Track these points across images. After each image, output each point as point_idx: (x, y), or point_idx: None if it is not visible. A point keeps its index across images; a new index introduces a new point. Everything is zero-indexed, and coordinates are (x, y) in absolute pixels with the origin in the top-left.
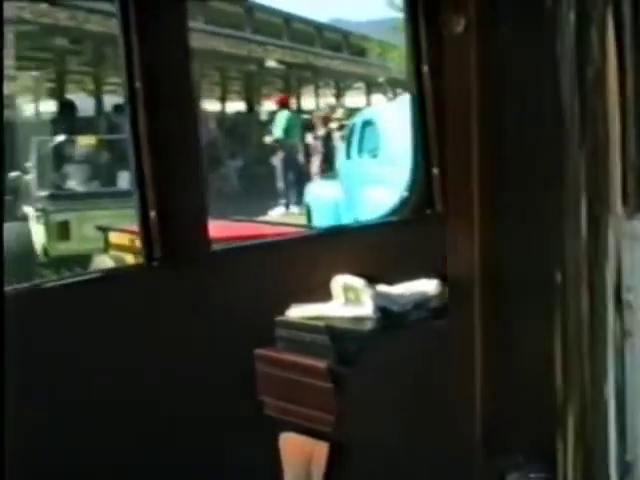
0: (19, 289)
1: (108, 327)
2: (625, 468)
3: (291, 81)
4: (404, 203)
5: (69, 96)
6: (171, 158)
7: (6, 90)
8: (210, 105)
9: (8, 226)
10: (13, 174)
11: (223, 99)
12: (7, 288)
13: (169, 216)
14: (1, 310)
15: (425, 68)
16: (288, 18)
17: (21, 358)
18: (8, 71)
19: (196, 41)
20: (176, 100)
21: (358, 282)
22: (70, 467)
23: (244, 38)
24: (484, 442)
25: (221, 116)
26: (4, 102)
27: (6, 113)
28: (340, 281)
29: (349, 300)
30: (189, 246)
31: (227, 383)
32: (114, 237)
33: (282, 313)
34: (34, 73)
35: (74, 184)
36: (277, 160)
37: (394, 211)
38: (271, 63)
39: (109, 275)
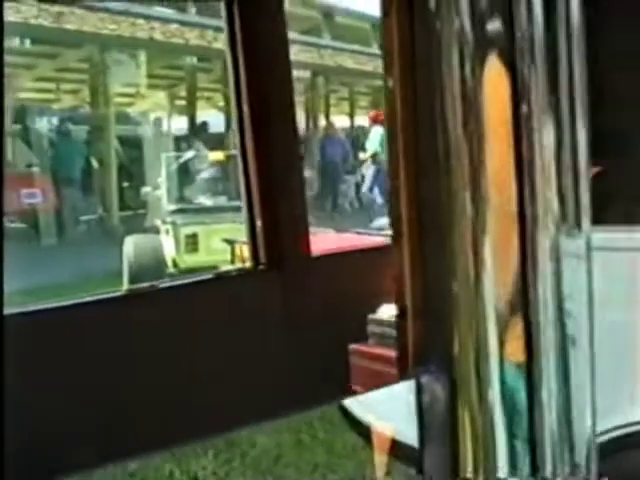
0: (139, 288)
1: (216, 322)
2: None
3: None
4: None
5: (200, 113)
6: (275, 173)
7: (137, 108)
8: (339, 121)
9: (140, 238)
10: (145, 189)
11: (351, 114)
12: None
13: (273, 225)
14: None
15: None
16: None
17: (139, 347)
18: (140, 89)
19: (323, 57)
20: (278, 121)
21: None
22: None
23: (370, 54)
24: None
25: (349, 131)
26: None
27: (139, 130)
28: None
29: None
30: (291, 252)
31: (324, 374)
32: (239, 249)
33: (374, 312)
34: (165, 91)
35: (203, 198)
36: (368, 174)
37: None
38: None
39: (219, 277)
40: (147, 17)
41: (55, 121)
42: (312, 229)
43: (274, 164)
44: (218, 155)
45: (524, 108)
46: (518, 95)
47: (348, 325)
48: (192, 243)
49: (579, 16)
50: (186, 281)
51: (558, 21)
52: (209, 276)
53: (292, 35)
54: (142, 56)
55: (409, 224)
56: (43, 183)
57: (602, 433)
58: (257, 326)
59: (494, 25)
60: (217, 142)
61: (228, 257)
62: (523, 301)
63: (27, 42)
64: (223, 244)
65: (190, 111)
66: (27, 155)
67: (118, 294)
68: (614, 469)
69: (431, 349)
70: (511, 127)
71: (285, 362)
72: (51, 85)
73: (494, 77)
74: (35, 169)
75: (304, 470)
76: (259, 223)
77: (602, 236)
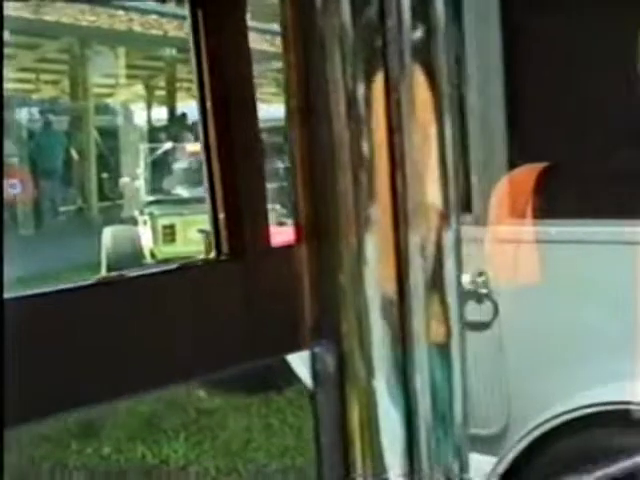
0: (107, 277)
1: (182, 308)
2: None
3: None
4: None
5: (180, 104)
6: (235, 167)
7: (116, 99)
8: None
9: (118, 229)
10: (124, 180)
11: None
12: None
13: (234, 217)
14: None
15: None
16: None
17: (107, 334)
18: (120, 80)
19: None
20: (239, 115)
21: None
22: None
23: None
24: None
25: None
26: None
27: (118, 121)
28: None
29: None
30: (251, 243)
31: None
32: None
33: None
34: (145, 82)
35: (180, 189)
36: None
37: None
38: None
39: (184, 267)
40: (126, 9)
41: (35, 112)
42: (287, 220)
43: (234, 158)
44: (196, 146)
45: (398, 108)
46: (392, 94)
47: (303, 313)
48: (169, 234)
49: (444, 16)
50: (152, 270)
51: (431, 22)
52: (174, 266)
53: (273, 26)
54: (121, 47)
55: (306, 219)
56: (22, 174)
57: (572, 411)
58: (217, 313)
59: (374, 25)
60: (196, 133)
61: (203, 247)
62: (400, 292)
63: (6, 33)
64: (199, 235)
65: (169, 102)
66: (7, 146)
67: (87, 283)
68: (582, 446)
69: (325, 326)
70: (388, 126)
71: (243, 348)
72: (31, 76)
73: (374, 76)
74: (14, 160)
75: (274, 453)
76: (222, 215)
77: (562, 229)
